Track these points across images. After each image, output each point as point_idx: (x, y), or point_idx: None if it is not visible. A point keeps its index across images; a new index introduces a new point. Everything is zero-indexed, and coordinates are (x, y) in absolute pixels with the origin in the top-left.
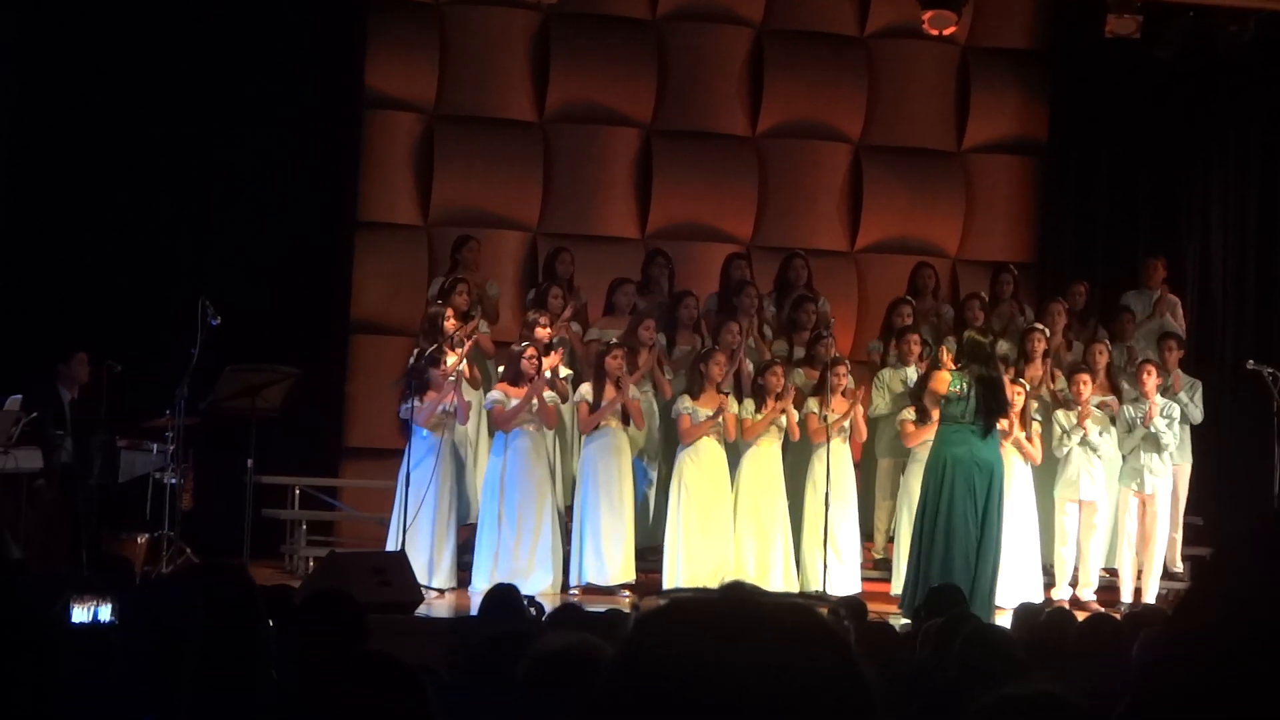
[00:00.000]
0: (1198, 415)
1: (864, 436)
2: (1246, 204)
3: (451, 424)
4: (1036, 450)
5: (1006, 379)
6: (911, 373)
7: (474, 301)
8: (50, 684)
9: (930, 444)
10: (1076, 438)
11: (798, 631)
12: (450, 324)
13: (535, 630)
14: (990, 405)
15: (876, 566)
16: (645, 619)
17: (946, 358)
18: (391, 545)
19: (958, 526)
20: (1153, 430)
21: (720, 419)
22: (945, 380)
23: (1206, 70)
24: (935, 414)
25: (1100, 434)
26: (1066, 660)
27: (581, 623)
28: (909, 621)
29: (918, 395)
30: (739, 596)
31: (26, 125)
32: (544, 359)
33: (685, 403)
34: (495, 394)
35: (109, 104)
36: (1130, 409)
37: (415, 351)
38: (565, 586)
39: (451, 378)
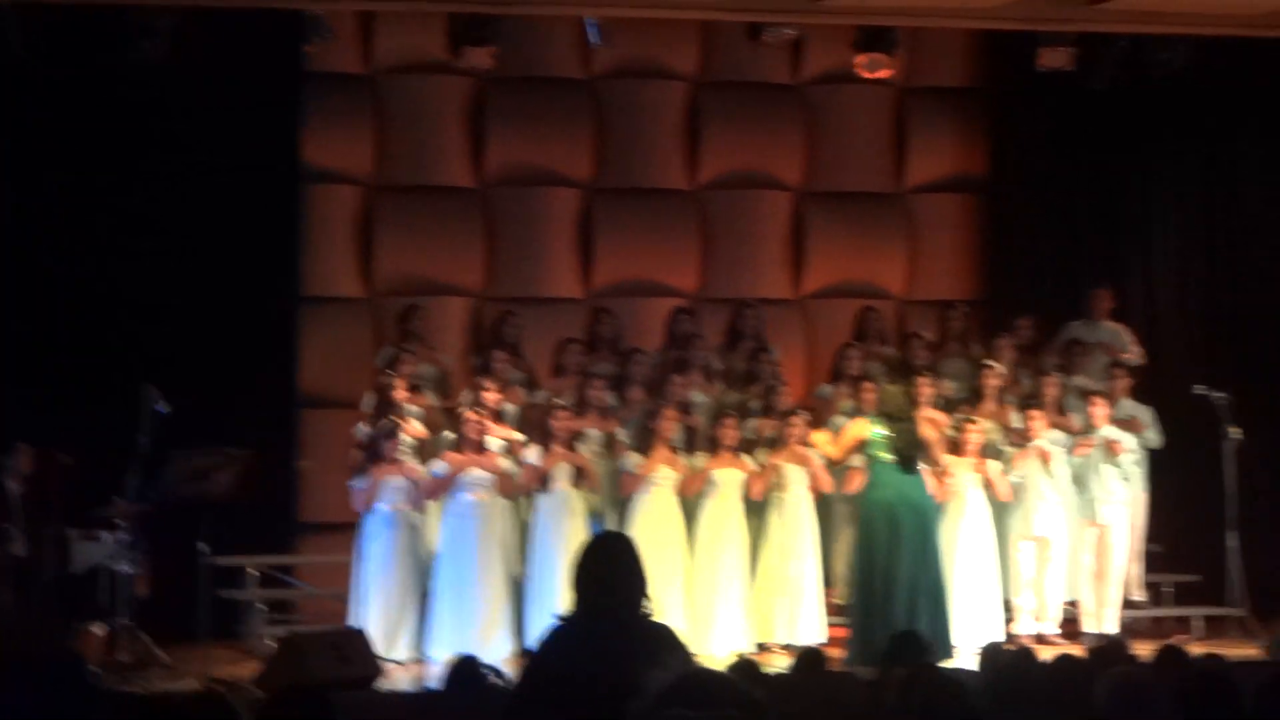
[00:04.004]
0: (1158, 440)
1: (828, 488)
2: (1189, 230)
3: (410, 493)
4: (1004, 486)
5: (944, 419)
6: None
7: (427, 378)
8: None
9: None
10: (1016, 476)
11: None
12: (401, 395)
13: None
14: (905, 446)
15: (839, 612)
16: None
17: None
18: (351, 619)
19: (897, 569)
20: (1087, 459)
21: (662, 474)
22: (865, 426)
23: (1141, 98)
24: (858, 460)
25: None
26: (1033, 703)
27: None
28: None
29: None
30: None
31: None
32: (493, 426)
33: (633, 460)
34: (440, 464)
35: (42, 186)
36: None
37: (366, 424)
38: (524, 651)
39: (405, 450)
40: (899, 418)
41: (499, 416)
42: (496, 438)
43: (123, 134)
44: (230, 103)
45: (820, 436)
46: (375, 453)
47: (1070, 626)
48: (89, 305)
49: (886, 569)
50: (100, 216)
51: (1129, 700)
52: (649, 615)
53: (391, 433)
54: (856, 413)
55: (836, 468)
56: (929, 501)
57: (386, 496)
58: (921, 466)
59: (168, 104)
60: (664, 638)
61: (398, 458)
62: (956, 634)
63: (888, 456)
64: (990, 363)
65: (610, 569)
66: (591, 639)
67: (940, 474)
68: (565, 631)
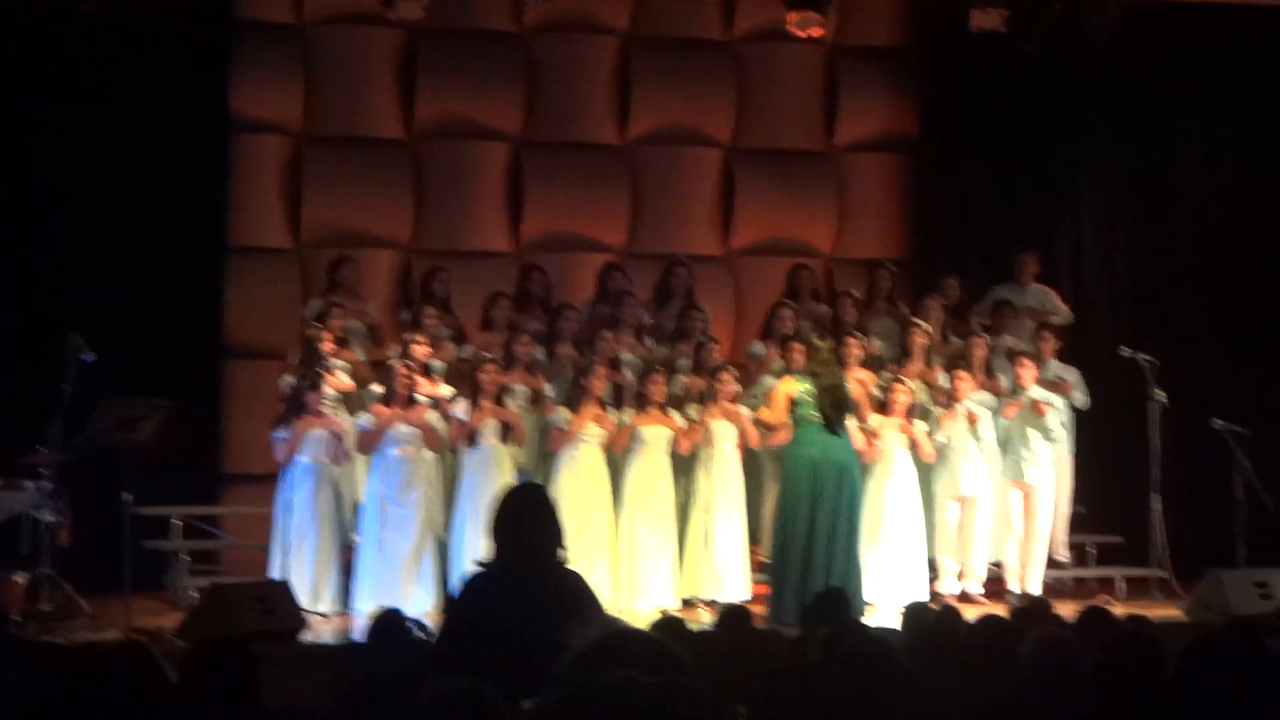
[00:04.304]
0: (1085, 401)
1: (756, 443)
2: (1117, 193)
3: (332, 446)
4: (928, 446)
5: (871, 378)
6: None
7: (355, 333)
8: None
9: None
10: (943, 436)
11: None
12: (328, 347)
13: (421, 671)
14: (830, 406)
15: (763, 569)
16: (540, 714)
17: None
18: (274, 571)
19: (818, 527)
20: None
21: (590, 430)
22: (794, 385)
23: (1073, 61)
24: (787, 418)
25: (974, 428)
26: (956, 661)
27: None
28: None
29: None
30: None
31: None
32: (422, 381)
33: (562, 415)
34: (368, 416)
35: None
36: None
37: (290, 376)
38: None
39: (329, 403)
40: (826, 377)
41: (427, 371)
42: (424, 393)
43: (48, 82)
44: (158, 50)
45: (757, 408)
46: (298, 405)
47: (994, 586)
48: (13, 254)
49: (807, 527)
50: (25, 165)
51: (1053, 661)
52: (565, 564)
53: (315, 385)
54: (786, 372)
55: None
56: (853, 461)
57: (309, 449)
58: (849, 425)
59: (95, 50)
60: (578, 587)
61: (321, 410)
62: (869, 592)
63: (814, 415)
64: (918, 322)
65: (526, 519)
66: (508, 586)
67: (868, 434)
68: (483, 579)
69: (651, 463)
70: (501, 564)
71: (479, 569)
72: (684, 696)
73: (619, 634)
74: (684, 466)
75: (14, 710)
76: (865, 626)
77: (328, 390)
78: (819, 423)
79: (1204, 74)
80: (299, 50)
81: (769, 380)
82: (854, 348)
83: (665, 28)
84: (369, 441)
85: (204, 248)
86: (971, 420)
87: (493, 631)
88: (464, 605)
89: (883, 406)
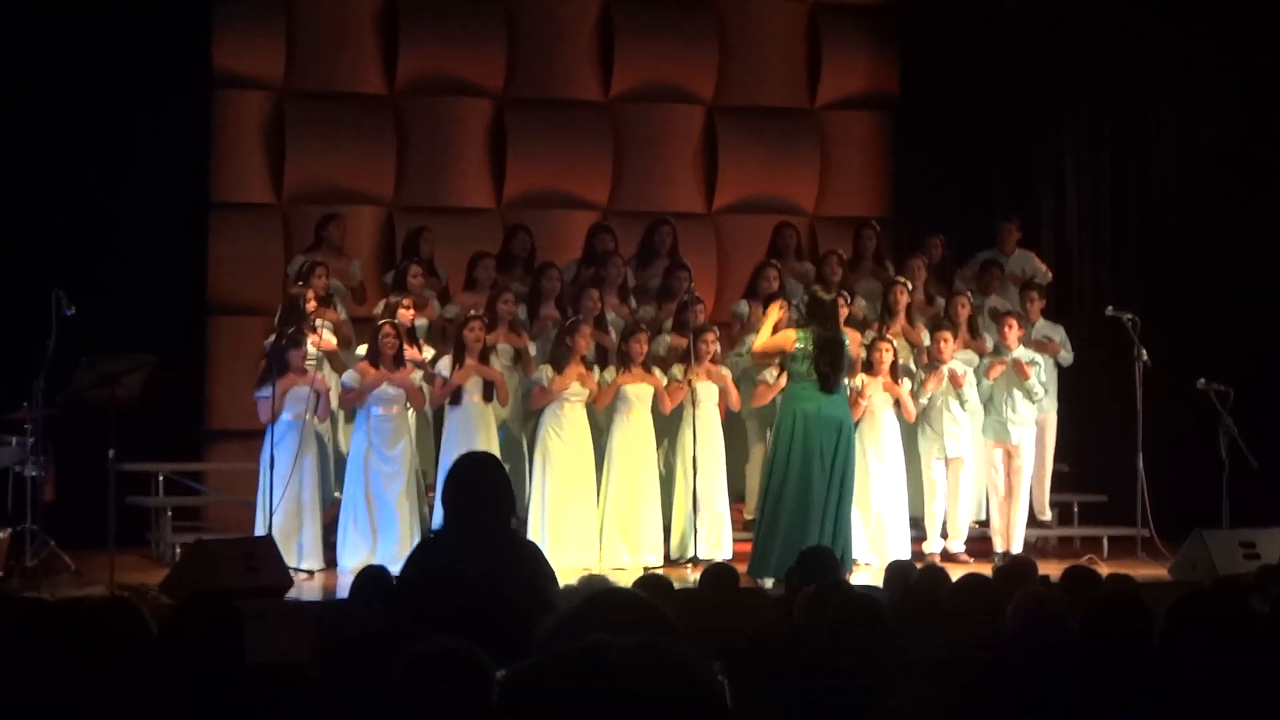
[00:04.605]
0: (1069, 358)
1: (737, 405)
2: (1099, 150)
3: (314, 403)
4: (912, 406)
5: (857, 336)
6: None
7: (338, 292)
8: None
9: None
10: (925, 398)
11: (663, 683)
12: (311, 305)
13: (406, 628)
14: (828, 364)
15: (747, 528)
16: (513, 681)
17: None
18: (258, 529)
19: (812, 484)
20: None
21: (574, 390)
22: (791, 338)
23: (1054, 18)
24: (781, 372)
25: (959, 391)
26: (940, 620)
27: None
28: (773, 583)
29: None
30: (600, 651)
31: None
32: (405, 341)
33: (546, 374)
34: (352, 375)
35: None
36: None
37: (274, 335)
38: None
39: (312, 361)
40: (826, 331)
41: (412, 330)
42: (409, 352)
43: (30, 37)
44: (140, 6)
45: (740, 366)
46: (281, 363)
47: (978, 545)
48: None
49: (802, 484)
50: (8, 119)
51: (1039, 621)
52: (515, 531)
53: (298, 342)
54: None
55: (748, 381)
56: (849, 418)
57: (291, 406)
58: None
59: (76, 6)
60: (528, 551)
61: (304, 368)
62: (858, 551)
63: (809, 370)
64: (900, 280)
65: (478, 487)
66: (458, 551)
67: (854, 393)
68: (433, 545)
69: (635, 421)
70: (450, 530)
71: (430, 535)
72: (656, 657)
73: (605, 593)
74: (667, 426)
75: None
76: (850, 585)
77: (309, 348)
78: (813, 381)
79: (1184, 29)
80: (281, 5)
81: (752, 339)
82: (841, 306)
83: None
84: (353, 400)
85: (187, 203)
86: (956, 381)
87: (441, 593)
88: (413, 569)
89: (867, 365)
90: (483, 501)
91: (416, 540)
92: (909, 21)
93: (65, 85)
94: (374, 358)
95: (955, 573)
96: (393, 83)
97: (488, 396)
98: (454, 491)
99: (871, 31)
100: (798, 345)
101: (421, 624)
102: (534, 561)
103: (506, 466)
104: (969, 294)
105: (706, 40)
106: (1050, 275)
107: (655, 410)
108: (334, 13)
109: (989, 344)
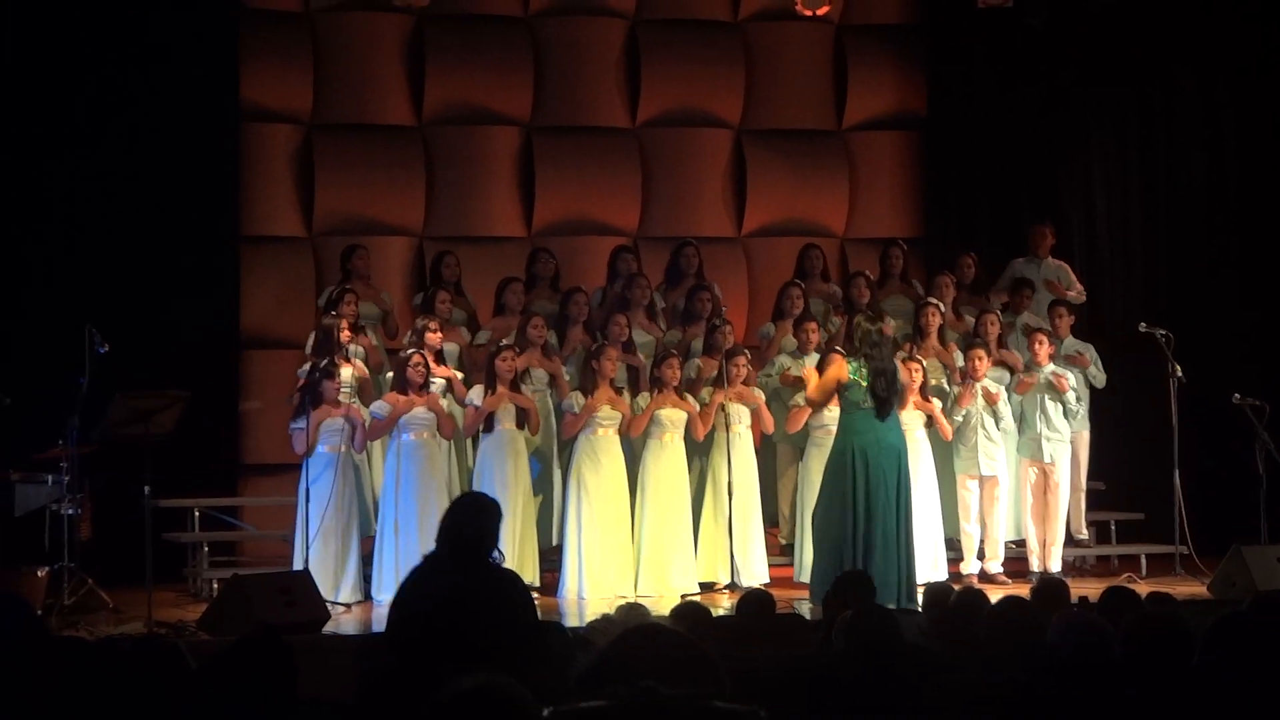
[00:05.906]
0: (1102, 379)
1: (771, 428)
2: (1127, 167)
3: (350, 434)
4: (946, 425)
5: (900, 361)
6: (810, 360)
7: (369, 318)
8: None
9: (828, 429)
10: (959, 415)
11: None
12: (345, 335)
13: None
14: (884, 389)
15: (782, 552)
16: None
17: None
18: (296, 562)
19: (877, 514)
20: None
21: (606, 414)
22: (845, 368)
23: (1079, 35)
24: (835, 401)
25: (993, 407)
26: (978, 644)
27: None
28: (814, 606)
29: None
30: (649, 699)
31: None
32: (435, 366)
33: (577, 400)
34: (382, 404)
35: None
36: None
37: (307, 364)
38: None
39: (346, 390)
40: (878, 359)
41: (441, 357)
42: (439, 378)
43: (60, 72)
44: (168, 40)
45: (770, 388)
46: (315, 394)
47: (1015, 566)
48: (29, 246)
49: (868, 513)
50: (39, 157)
51: (1080, 642)
52: (497, 564)
53: (331, 374)
54: (799, 352)
55: (781, 406)
56: (904, 444)
57: (327, 438)
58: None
59: (106, 41)
60: (509, 582)
61: (338, 399)
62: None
63: (865, 400)
64: (932, 301)
65: (466, 521)
66: (442, 579)
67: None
68: (420, 572)
69: (669, 447)
70: (438, 559)
71: (421, 562)
72: (704, 710)
73: (643, 629)
74: (699, 450)
75: (44, 708)
76: (886, 610)
77: (344, 379)
78: (869, 409)
79: (1210, 41)
80: (307, 38)
81: (782, 360)
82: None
83: (672, 10)
84: (383, 429)
85: (218, 237)
86: (991, 400)
87: (425, 616)
88: (403, 594)
89: None
90: (467, 533)
91: None
92: (935, 41)
93: (95, 122)
94: (401, 386)
95: (994, 594)
96: (420, 113)
97: (520, 424)
98: (444, 523)
99: (897, 52)
100: (851, 376)
101: (409, 635)
102: (513, 592)
103: (538, 498)
104: (998, 312)
105: (733, 64)
106: (1084, 296)
107: (688, 435)
108: (360, 44)
109: (1020, 361)
